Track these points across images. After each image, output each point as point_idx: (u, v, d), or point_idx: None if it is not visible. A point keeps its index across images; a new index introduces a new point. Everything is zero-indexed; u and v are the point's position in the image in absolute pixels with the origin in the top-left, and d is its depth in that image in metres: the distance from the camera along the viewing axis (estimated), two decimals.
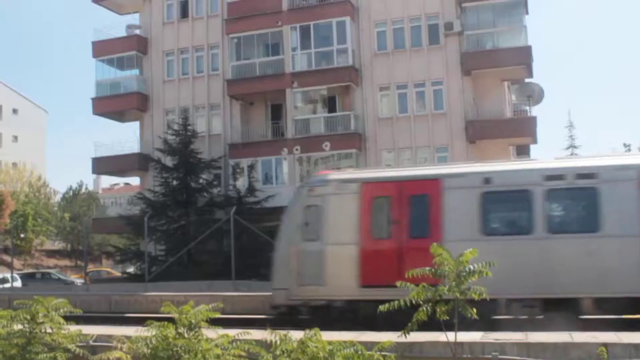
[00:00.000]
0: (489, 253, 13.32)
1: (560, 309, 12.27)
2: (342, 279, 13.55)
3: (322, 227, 13.98)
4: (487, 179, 13.47)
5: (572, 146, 44.67)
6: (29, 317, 7.77)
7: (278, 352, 6.31)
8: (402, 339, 7.08)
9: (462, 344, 7.63)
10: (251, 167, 31.50)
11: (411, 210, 13.78)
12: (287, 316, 13.93)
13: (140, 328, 7.04)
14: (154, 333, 6.79)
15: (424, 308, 6.99)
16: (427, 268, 7.23)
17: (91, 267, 46.08)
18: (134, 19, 37.27)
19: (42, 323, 7.73)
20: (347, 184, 14.24)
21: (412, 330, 6.96)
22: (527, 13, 30.67)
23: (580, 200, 13.32)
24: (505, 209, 13.97)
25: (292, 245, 14.27)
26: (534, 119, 30.79)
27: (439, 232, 13.17)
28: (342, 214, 13.90)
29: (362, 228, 13.77)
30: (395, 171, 17.44)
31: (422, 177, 14.36)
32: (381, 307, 7.09)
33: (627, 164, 13.09)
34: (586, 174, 12.86)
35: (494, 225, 13.61)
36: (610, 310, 12.39)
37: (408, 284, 7.23)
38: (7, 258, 41.26)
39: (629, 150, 41.38)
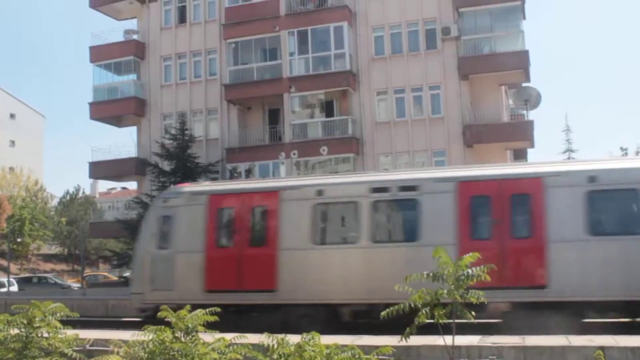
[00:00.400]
0: (321, 262, 13.82)
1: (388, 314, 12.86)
2: (189, 284, 14.33)
3: (173, 236, 14.86)
4: (319, 191, 14.17)
5: (569, 150, 44.80)
6: (25, 322, 7.74)
7: (275, 356, 6.28)
8: (400, 343, 7.07)
9: (459, 347, 7.62)
10: (249, 172, 31.50)
11: (251, 221, 14.66)
12: (153, 319, 14.62)
13: (137, 332, 7.02)
14: (150, 337, 6.77)
15: (423, 311, 6.97)
16: (425, 273, 7.20)
17: (88, 272, 46.02)
18: (131, 24, 37.36)
19: (39, 327, 7.70)
20: (196, 196, 15.09)
21: (411, 334, 6.96)
22: (524, 18, 30.77)
23: (402, 211, 14.04)
24: (335, 219, 14.74)
25: (146, 252, 15.19)
26: (531, 123, 30.84)
27: (275, 242, 14.00)
28: (191, 224, 14.72)
29: (207, 237, 14.57)
30: (240, 184, 18.26)
31: (262, 189, 15.28)
32: (383, 313, 7.10)
33: (445, 177, 13.78)
34: (408, 186, 13.54)
35: (325, 235, 14.34)
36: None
37: (407, 288, 7.19)
38: (4, 262, 41.14)
39: (626, 154, 41.47)
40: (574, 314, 11.84)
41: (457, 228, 12.81)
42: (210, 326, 6.92)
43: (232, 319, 13.27)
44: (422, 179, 13.78)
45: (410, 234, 13.38)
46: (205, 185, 17.29)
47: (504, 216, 12.73)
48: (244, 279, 14.05)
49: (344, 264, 13.45)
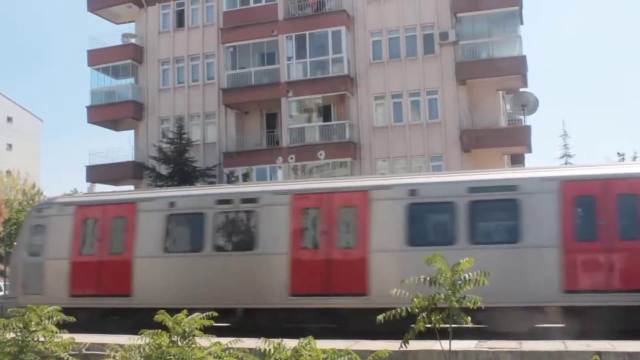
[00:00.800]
0: (171, 269, 14.60)
1: (231, 318, 13.72)
2: (57, 289, 15.22)
3: (43, 244, 15.81)
4: (171, 202, 15.14)
5: (567, 155, 44.82)
6: (21, 326, 7.73)
7: None
8: (401, 348, 7.08)
9: (456, 352, 7.62)
10: (246, 176, 31.46)
11: (111, 230, 15.50)
12: None
13: (133, 336, 7.01)
14: (147, 341, 6.76)
15: (421, 316, 6.99)
16: (422, 277, 7.22)
17: None
18: (129, 28, 37.35)
19: (35, 331, 7.69)
20: (65, 207, 16.03)
21: (410, 339, 6.97)
22: (522, 23, 30.88)
23: (243, 222, 14.86)
24: (184, 230, 15.58)
25: (20, 259, 16.27)
26: (528, 128, 30.96)
27: (131, 250, 14.94)
28: (60, 233, 15.64)
29: (73, 245, 15.50)
30: (105, 195, 19.23)
31: (122, 201, 16.19)
32: (379, 317, 7.14)
33: (281, 190, 14.75)
34: (248, 199, 14.42)
35: (174, 244, 15.23)
36: (263, 320, 13.60)
37: (403, 292, 7.21)
38: (0, 266, 40.99)
39: (623, 159, 41.52)
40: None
41: (290, 238, 13.69)
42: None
43: (97, 321, 14.43)
44: (261, 191, 14.70)
45: (249, 243, 14.20)
46: (75, 196, 18.15)
47: (332, 227, 13.56)
48: (103, 285, 15.05)
49: (191, 271, 14.31)
